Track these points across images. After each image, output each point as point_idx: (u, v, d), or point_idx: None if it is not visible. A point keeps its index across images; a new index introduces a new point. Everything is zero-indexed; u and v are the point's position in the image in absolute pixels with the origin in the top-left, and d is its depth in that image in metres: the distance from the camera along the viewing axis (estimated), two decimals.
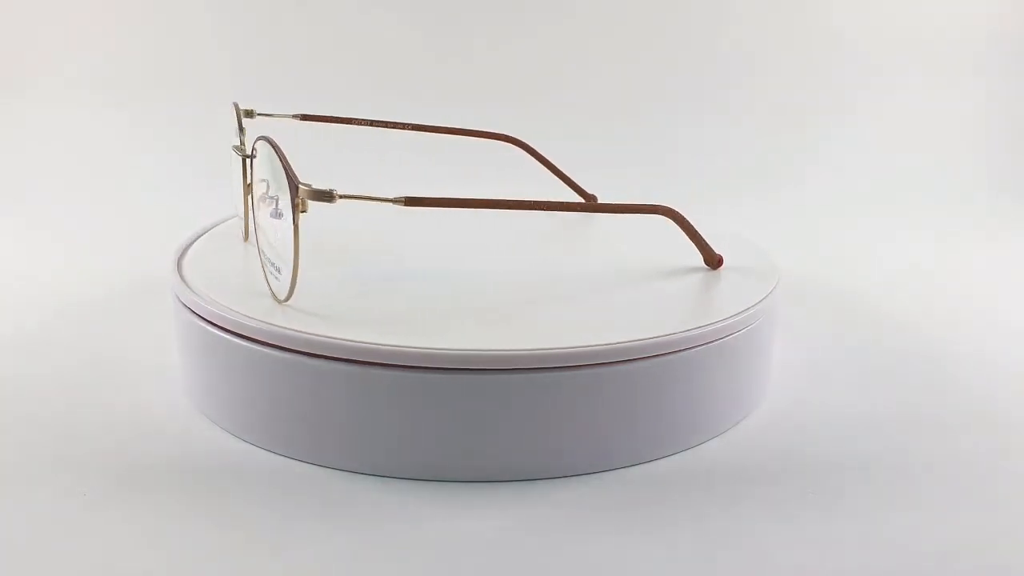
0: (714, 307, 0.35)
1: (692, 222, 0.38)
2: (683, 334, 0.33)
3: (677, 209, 0.38)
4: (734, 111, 0.71)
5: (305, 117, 0.45)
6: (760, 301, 0.35)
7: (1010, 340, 0.45)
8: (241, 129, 0.41)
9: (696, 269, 0.39)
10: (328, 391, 0.32)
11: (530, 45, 0.71)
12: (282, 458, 0.34)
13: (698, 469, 0.33)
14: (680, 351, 0.33)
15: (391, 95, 0.68)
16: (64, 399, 0.38)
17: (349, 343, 0.31)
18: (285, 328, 0.32)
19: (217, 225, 0.43)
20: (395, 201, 0.32)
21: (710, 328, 0.33)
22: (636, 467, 0.33)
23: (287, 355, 0.32)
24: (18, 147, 0.67)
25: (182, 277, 0.37)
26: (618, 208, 0.37)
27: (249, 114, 0.42)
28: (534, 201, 0.34)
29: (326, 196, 0.32)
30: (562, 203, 0.36)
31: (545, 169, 0.48)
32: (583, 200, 0.47)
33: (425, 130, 0.46)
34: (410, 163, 0.61)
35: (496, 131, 0.47)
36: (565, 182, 0.48)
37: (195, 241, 0.41)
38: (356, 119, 0.45)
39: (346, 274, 0.38)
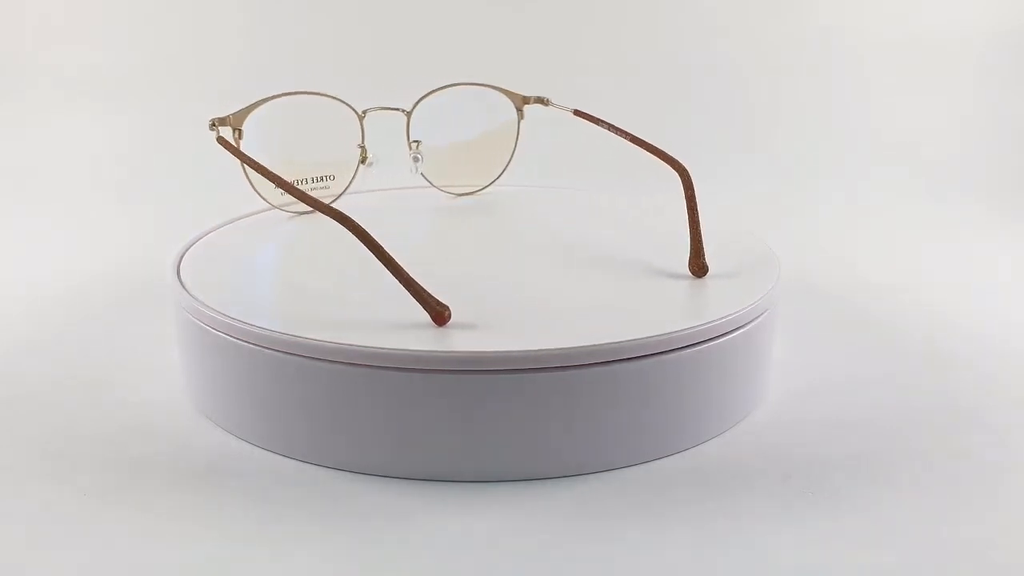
0: (714, 305, 0.35)
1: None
2: (682, 332, 0.32)
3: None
4: (735, 110, 0.71)
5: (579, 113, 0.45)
6: (759, 299, 0.35)
7: (1010, 340, 0.45)
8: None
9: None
10: (328, 391, 0.32)
11: (533, 36, 0.71)
12: (282, 458, 0.34)
13: (698, 469, 0.33)
14: (679, 349, 0.33)
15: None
16: (64, 399, 0.38)
17: (349, 344, 0.31)
18: (284, 330, 0.32)
19: (217, 226, 0.43)
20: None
21: (709, 326, 0.33)
22: (636, 467, 0.33)
23: (287, 356, 0.32)
24: (18, 147, 0.67)
25: (182, 278, 0.37)
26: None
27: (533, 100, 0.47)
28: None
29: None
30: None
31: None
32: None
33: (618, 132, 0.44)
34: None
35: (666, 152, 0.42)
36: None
37: (195, 242, 0.41)
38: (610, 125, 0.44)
39: (345, 274, 0.38)
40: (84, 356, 0.42)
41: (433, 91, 0.45)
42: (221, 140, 0.40)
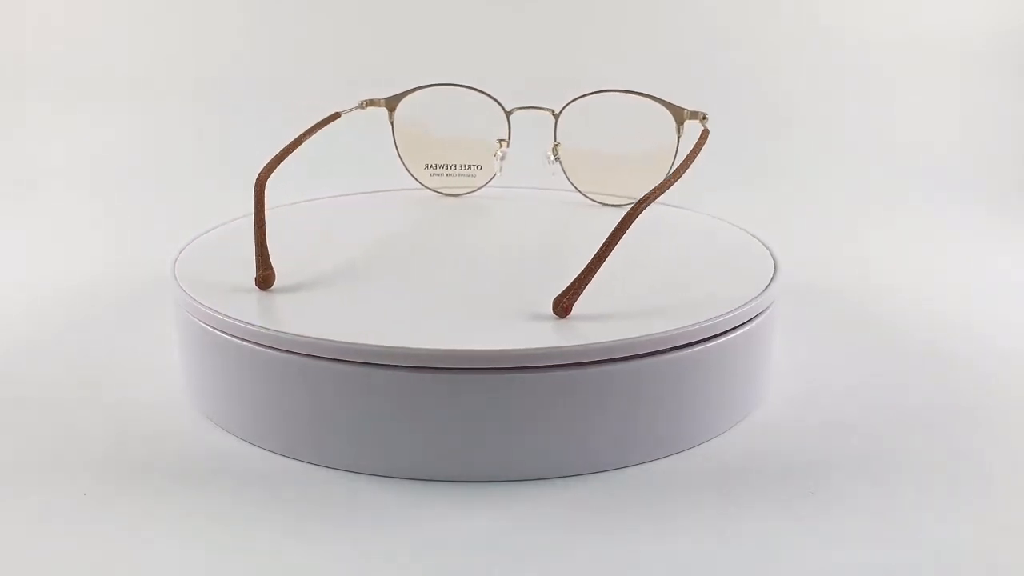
0: (714, 305, 0.35)
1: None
2: (682, 332, 0.32)
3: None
4: (735, 110, 0.71)
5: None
6: (759, 299, 0.35)
7: (1011, 340, 0.45)
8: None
9: (695, 266, 0.39)
10: (328, 391, 0.32)
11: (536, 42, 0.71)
12: (282, 458, 0.34)
13: (698, 469, 0.33)
14: (679, 349, 0.33)
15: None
16: (64, 399, 0.38)
17: (349, 343, 0.31)
18: (285, 329, 0.32)
19: (217, 226, 0.43)
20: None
21: (709, 325, 0.33)
22: (635, 467, 0.33)
23: (287, 355, 0.32)
24: (18, 147, 0.67)
25: (182, 278, 0.37)
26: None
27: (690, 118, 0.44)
28: None
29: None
30: None
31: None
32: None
33: None
34: None
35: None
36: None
37: (195, 241, 0.41)
38: None
39: (346, 274, 0.38)
40: (84, 356, 0.42)
41: (584, 95, 0.44)
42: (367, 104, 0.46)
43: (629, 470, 0.33)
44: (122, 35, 0.71)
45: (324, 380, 0.32)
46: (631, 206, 0.35)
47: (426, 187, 0.48)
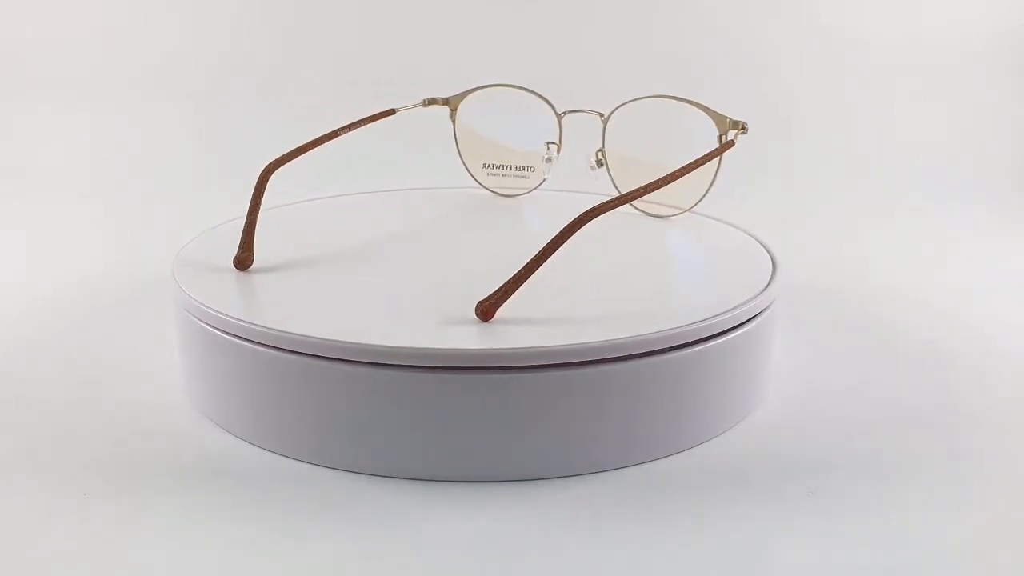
0: (713, 305, 0.35)
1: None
2: (682, 331, 0.32)
3: None
4: (735, 110, 0.71)
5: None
6: (759, 299, 0.35)
7: (1011, 340, 0.45)
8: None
9: (694, 266, 0.39)
10: (328, 391, 0.32)
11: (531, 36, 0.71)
12: (282, 458, 0.34)
13: (698, 469, 0.33)
14: (679, 348, 0.33)
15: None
16: (64, 399, 0.38)
17: (349, 343, 0.31)
18: (284, 328, 0.32)
19: (217, 225, 0.43)
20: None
21: (709, 325, 0.33)
22: (635, 467, 0.33)
23: (287, 355, 0.32)
24: (18, 147, 0.67)
25: (182, 277, 0.37)
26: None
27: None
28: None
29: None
30: None
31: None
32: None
33: None
34: None
35: None
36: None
37: (195, 241, 0.41)
38: None
39: (345, 273, 0.38)
40: (84, 356, 0.42)
41: (632, 100, 0.43)
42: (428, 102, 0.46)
43: (629, 470, 0.33)
44: (124, 34, 0.71)
45: (324, 380, 0.32)
46: (581, 214, 0.34)
47: (483, 186, 0.49)
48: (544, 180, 0.47)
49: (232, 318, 0.33)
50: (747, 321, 0.35)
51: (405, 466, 0.32)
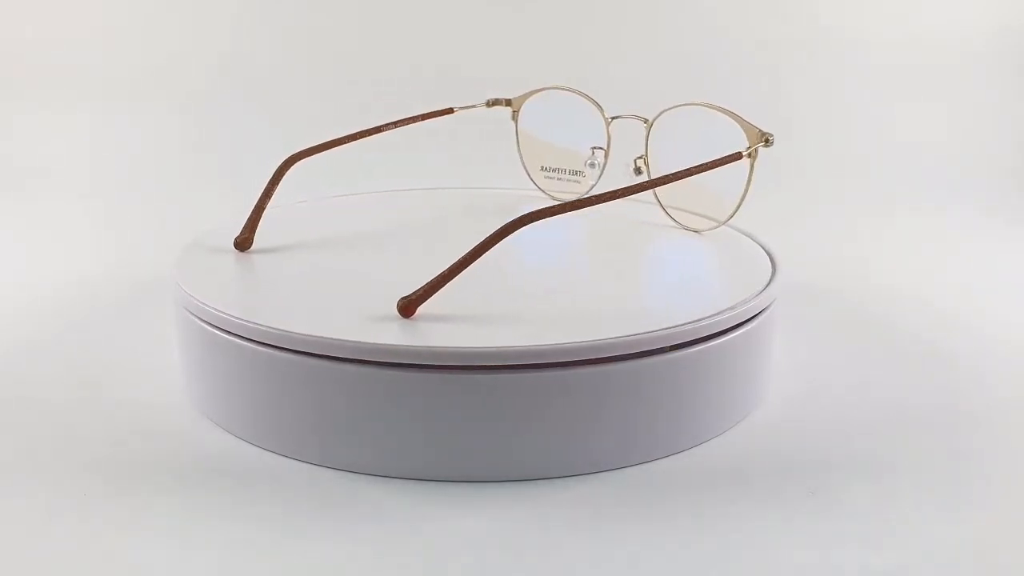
0: (713, 305, 0.35)
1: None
2: (682, 331, 0.32)
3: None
4: (735, 110, 0.71)
5: None
6: (759, 298, 0.35)
7: (1011, 340, 0.45)
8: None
9: (693, 265, 0.39)
10: (328, 391, 0.32)
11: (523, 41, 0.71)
12: (282, 458, 0.34)
13: (698, 469, 0.33)
14: (679, 348, 0.33)
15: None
16: (64, 399, 0.38)
17: (349, 343, 0.31)
18: (284, 328, 0.32)
19: (217, 226, 0.43)
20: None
21: (709, 324, 0.33)
22: (635, 467, 0.33)
23: (287, 355, 0.32)
24: (18, 147, 0.67)
25: (182, 277, 0.37)
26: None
27: None
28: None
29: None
30: None
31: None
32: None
33: None
34: None
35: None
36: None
37: (195, 241, 0.41)
38: None
39: (345, 273, 0.38)
40: (84, 356, 0.42)
41: (675, 106, 0.42)
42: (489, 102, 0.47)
43: (629, 470, 0.33)
44: (124, 33, 0.71)
45: (324, 379, 0.32)
46: (514, 219, 0.34)
47: (540, 189, 0.48)
48: (593, 186, 0.46)
49: (232, 318, 0.33)
50: (747, 321, 0.35)
51: (405, 466, 0.32)
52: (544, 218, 0.34)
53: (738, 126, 0.40)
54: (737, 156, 0.38)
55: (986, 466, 0.34)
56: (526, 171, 0.48)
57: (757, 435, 0.36)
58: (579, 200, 0.35)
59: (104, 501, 0.31)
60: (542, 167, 0.48)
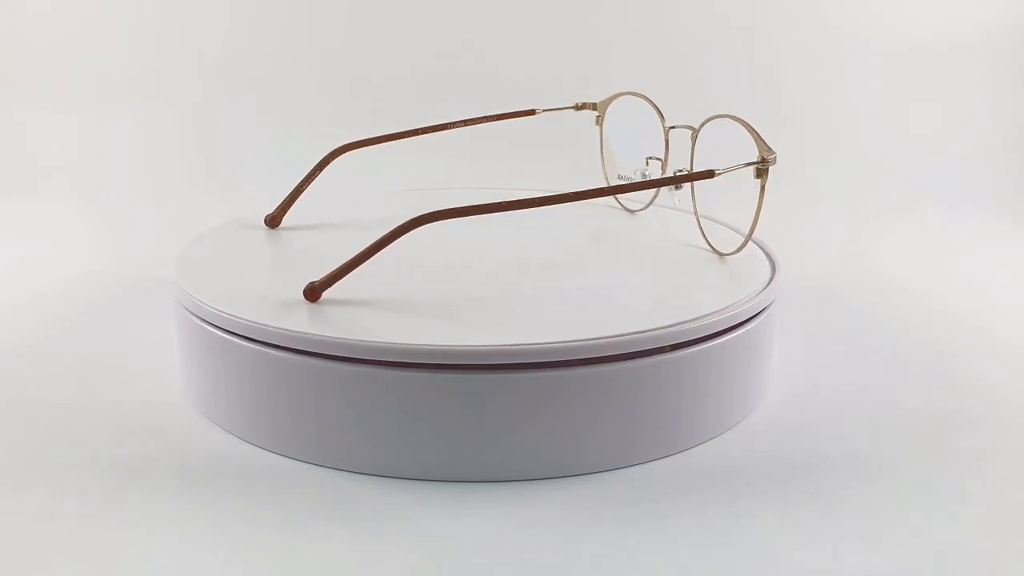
0: (713, 305, 0.35)
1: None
2: (682, 330, 0.32)
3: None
4: (735, 110, 0.71)
5: None
6: (758, 298, 0.35)
7: (1011, 340, 0.45)
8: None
9: (693, 265, 0.39)
10: (328, 391, 0.32)
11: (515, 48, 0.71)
12: (282, 458, 0.34)
13: (698, 469, 0.33)
14: (679, 348, 0.33)
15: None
16: (64, 399, 0.38)
17: (349, 342, 0.31)
18: (284, 328, 0.32)
19: (217, 226, 0.43)
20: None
21: (709, 324, 0.33)
22: (636, 467, 0.33)
23: (287, 355, 0.32)
24: (18, 147, 0.67)
25: (183, 278, 0.37)
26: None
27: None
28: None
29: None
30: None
31: None
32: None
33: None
34: None
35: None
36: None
37: (195, 242, 0.41)
38: None
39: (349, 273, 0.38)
40: (84, 356, 0.42)
41: (715, 116, 0.40)
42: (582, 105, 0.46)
43: (629, 470, 0.33)
44: (124, 34, 0.71)
45: (324, 380, 0.32)
46: (419, 215, 0.34)
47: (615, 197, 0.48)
48: (658, 192, 0.45)
49: (232, 318, 0.33)
50: (747, 321, 0.35)
51: (405, 466, 0.32)
52: (448, 219, 0.34)
53: (753, 138, 0.38)
54: (709, 174, 0.37)
55: (986, 466, 0.34)
56: (605, 177, 0.48)
57: (757, 435, 0.36)
58: (489, 204, 0.34)
59: (104, 501, 0.31)
60: (619, 175, 0.46)
